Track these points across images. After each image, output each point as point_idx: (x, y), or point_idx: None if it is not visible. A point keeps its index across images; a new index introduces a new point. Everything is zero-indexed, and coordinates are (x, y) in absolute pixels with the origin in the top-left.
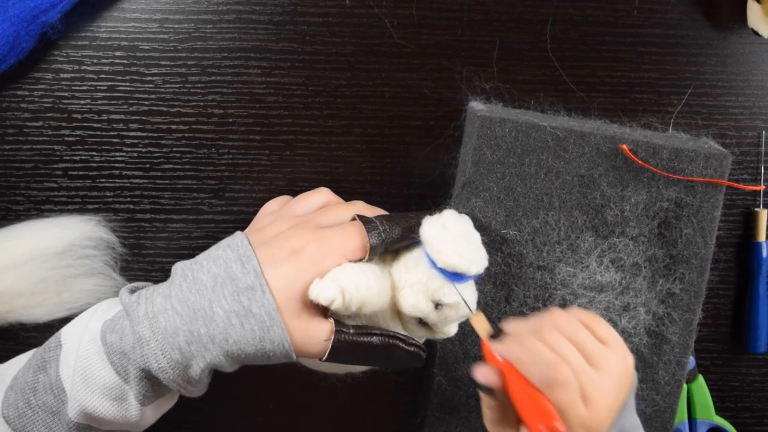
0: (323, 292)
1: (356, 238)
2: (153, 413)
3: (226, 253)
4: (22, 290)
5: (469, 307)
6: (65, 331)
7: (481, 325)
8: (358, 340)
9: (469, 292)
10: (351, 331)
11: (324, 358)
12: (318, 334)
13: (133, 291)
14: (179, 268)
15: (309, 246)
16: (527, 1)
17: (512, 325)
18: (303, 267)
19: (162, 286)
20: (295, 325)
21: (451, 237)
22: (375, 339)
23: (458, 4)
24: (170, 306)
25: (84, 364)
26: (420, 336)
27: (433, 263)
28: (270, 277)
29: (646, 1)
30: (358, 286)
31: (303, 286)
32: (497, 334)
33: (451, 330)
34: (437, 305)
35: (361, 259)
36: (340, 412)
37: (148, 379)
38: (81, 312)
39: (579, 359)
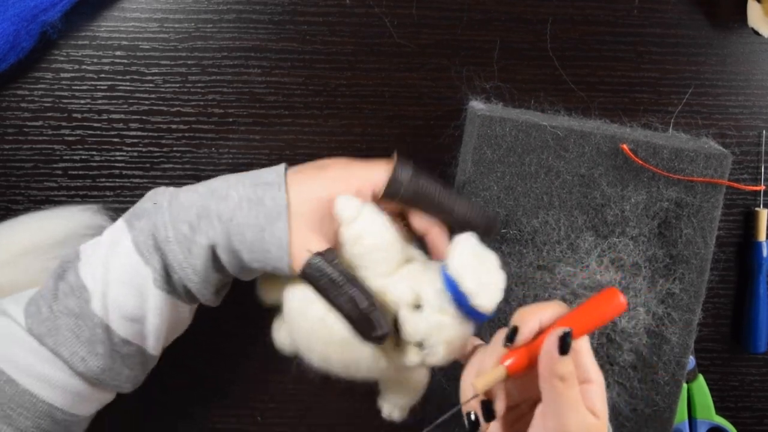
0: (346, 204)
1: (382, 170)
2: (168, 324)
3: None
4: (23, 282)
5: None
6: (83, 246)
7: (491, 374)
8: (331, 271)
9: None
10: (335, 261)
11: (299, 270)
12: (311, 245)
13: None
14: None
15: (335, 165)
16: (527, 0)
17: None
18: (324, 182)
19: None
20: (299, 229)
21: (482, 262)
22: (341, 278)
23: (458, 4)
24: (193, 188)
25: (107, 249)
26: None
27: (448, 278)
28: (291, 182)
29: (646, 1)
30: (376, 220)
31: (319, 199)
32: (511, 336)
33: (411, 357)
34: (417, 306)
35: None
36: (340, 412)
37: (158, 252)
38: None
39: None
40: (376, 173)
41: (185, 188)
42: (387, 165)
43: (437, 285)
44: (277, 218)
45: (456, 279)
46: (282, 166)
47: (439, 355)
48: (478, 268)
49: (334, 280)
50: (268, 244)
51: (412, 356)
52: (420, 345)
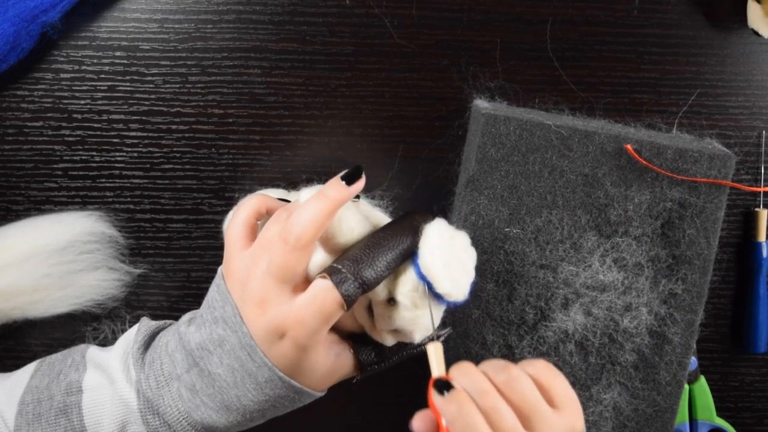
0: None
1: (328, 300)
2: None
3: (227, 333)
4: (24, 287)
5: (433, 325)
6: (87, 379)
7: (437, 359)
8: (378, 368)
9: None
10: (371, 357)
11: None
12: (343, 372)
13: (143, 346)
14: (192, 355)
15: (290, 332)
16: (527, 1)
17: (462, 373)
18: (295, 349)
19: (179, 367)
20: (321, 380)
21: (452, 253)
22: (391, 360)
23: (458, 4)
24: (200, 402)
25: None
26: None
27: (419, 271)
28: (275, 360)
29: (646, 1)
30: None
31: (306, 361)
32: (445, 387)
33: (388, 340)
34: (390, 299)
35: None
36: (339, 410)
37: None
38: (84, 308)
39: (514, 427)
40: (325, 306)
41: (192, 404)
42: (320, 295)
43: (410, 280)
44: (301, 397)
45: (425, 271)
46: (252, 344)
47: (414, 339)
48: (447, 256)
49: (386, 358)
50: (305, 403)
51: (389, 340)
52: (395, 331)
